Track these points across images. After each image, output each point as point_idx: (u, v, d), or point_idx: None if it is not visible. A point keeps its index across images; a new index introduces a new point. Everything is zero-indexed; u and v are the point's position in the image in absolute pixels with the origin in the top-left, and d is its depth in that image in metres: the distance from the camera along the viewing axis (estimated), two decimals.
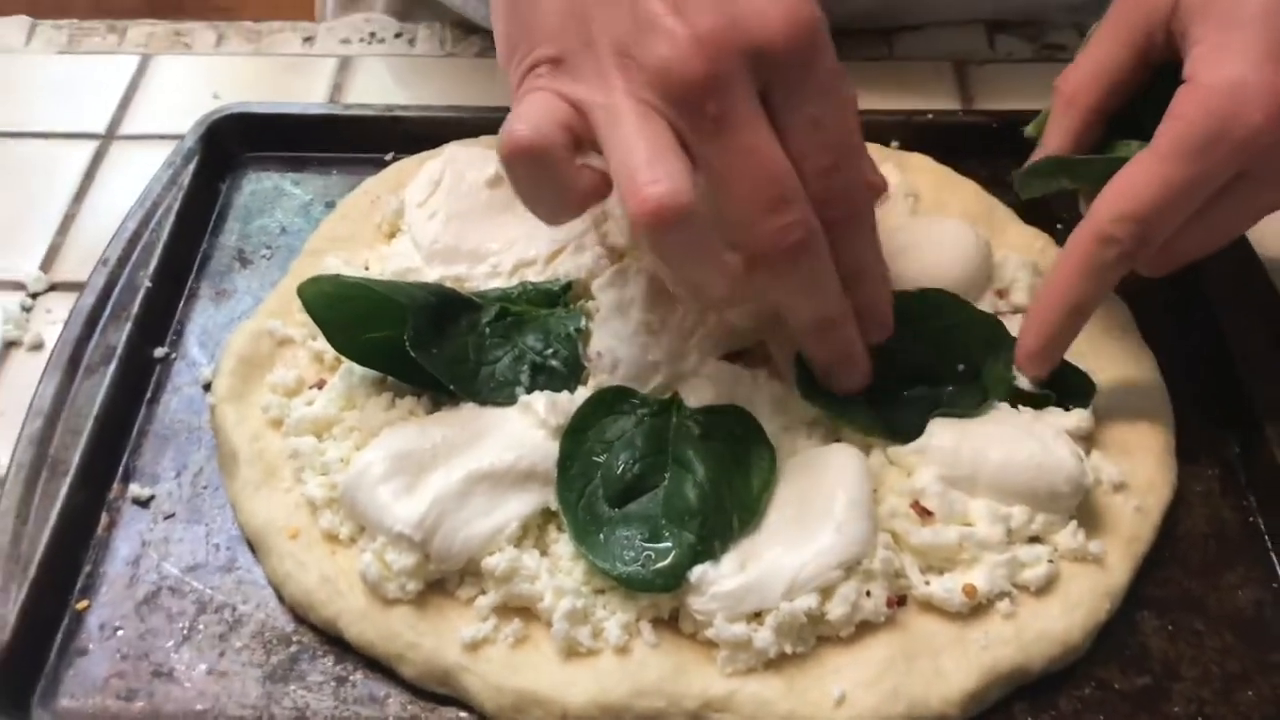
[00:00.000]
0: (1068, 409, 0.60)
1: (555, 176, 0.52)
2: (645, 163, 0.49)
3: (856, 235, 0.54)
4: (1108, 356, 0.64)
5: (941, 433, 0.57)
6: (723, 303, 0.59)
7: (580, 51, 0.52)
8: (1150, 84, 0.61)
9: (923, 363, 0.61)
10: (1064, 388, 0.61)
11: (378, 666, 0.54)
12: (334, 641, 0.55)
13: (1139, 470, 0.60)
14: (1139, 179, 0.56)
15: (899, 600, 0.55)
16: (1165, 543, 0.59)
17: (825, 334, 0.56)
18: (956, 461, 0.56)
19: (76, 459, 0.60)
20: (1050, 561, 0.56)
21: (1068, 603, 0.55)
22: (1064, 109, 0.63)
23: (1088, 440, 0.60)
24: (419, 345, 0.58)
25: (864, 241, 0.55)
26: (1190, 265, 0.61)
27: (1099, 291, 0.59)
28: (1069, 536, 0.57)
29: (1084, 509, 0.58)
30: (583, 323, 0.62)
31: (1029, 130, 0.67)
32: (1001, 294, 0.66)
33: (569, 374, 0.60)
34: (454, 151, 0.71)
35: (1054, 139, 0.64)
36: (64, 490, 0.59)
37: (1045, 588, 0.55)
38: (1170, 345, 0.66)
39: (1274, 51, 0.54)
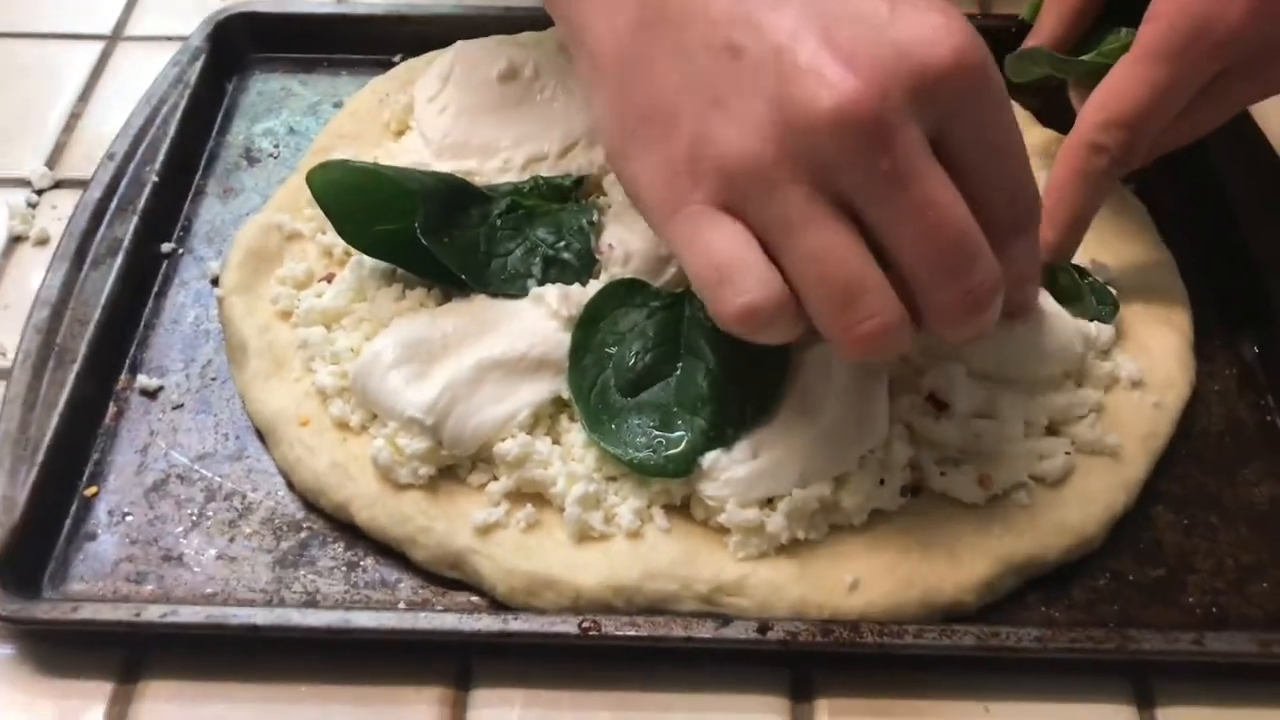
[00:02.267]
0: (1091, 320, 0.60)
1: (794, 322, 0.47)
2: (850, 289, 0.44)
3: (1032, 249, 0.49)
4: (1126, 256, 0.64)
5: None
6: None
7: (715, 130, 0.45)
8: None
9: None
10: (1089, 301, 0.60)
11: (388, 552, 0.54)
12: (344, 528, 0.55)
13: (1157, 368, 0.59)
14: (1123, 84, 0.55)
15: (914, 490, 0.54)
16: (1182, 440, 0.59)
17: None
18: None
19: (83, 349, 0.60)
20: (1067, 454, 0.55)
21: (1084, 495, 0.55)
22: (1050, 7, 0.63)
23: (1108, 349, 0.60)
24: (430, 232, 0.57)
25: (1030, 250, 0.50)
26: (1210, 169, 0.60)
27: (1095, 199, 0.58)
28: (1086, 429, 0.56)
29: (1101, 405, 0.57)
30: (595, 216, 0.61)
31: (1024, 14, 0.67)
32: None
33: (581, 267, 0.60)
34: (463, 47, 0.70)
35: (1048, 25, 0.63)
36: (71, 379, 0.58)
37: (1061, 480, 0.55)
38: (1188, 245, 0.66)
39: None
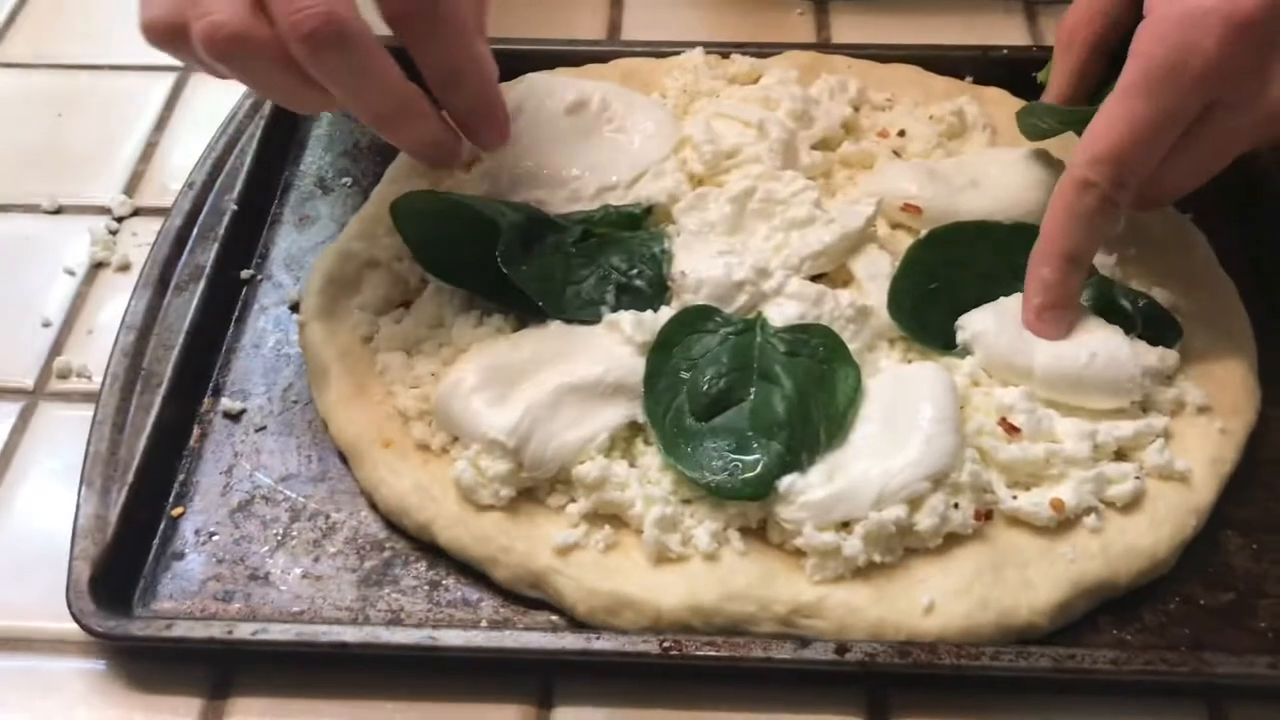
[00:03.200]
0: (1154, 344, 0.60)
1: (264, 50, 0.53)
2: None
3: (435, 36, 0.55)
4: (1188, 283, 0.64)
5: (976, 320, 0.59)
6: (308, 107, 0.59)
7: None
8: None
9: (1008, 293, 0.61)
10: (1152, 329, 0.61)
11: (469, 572, 0.55)
12: (426, 548, 0.56)
13: (1223, 394, 0.60)
14: (1107, 121, 0.55)
15: (986, 514, 0.55)
16: (1249, 466, 0.59)
17: (391, 127, 0.57)
18: (1000, 339, 0.58)
19: (169, 372, 0.61)
20: (1137, 478, 0.56)
21: (1154, 519, 0.55)
22: (1063, 50, 0.63)
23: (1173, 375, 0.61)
24: (510, 261, 0.59)
25: (447, 42, 0.55)
26: (1270, 195, 0.60)
27: (1089, 238, 0.58)
28: (1155, 454, 0.57)
29: (1169, 431, 0.58)
30: (666, 244, 0.63)
31: (1040, 76, 0.67)
32: None
33: (653, 294, 0.61)
34: (533, 80, 0.71)
35: (1056, 82, 0.64)
36: (157, 402, 0.60)
37: (1132, 504, 0.56)
38: (1249, 271, 0.66)
39: None
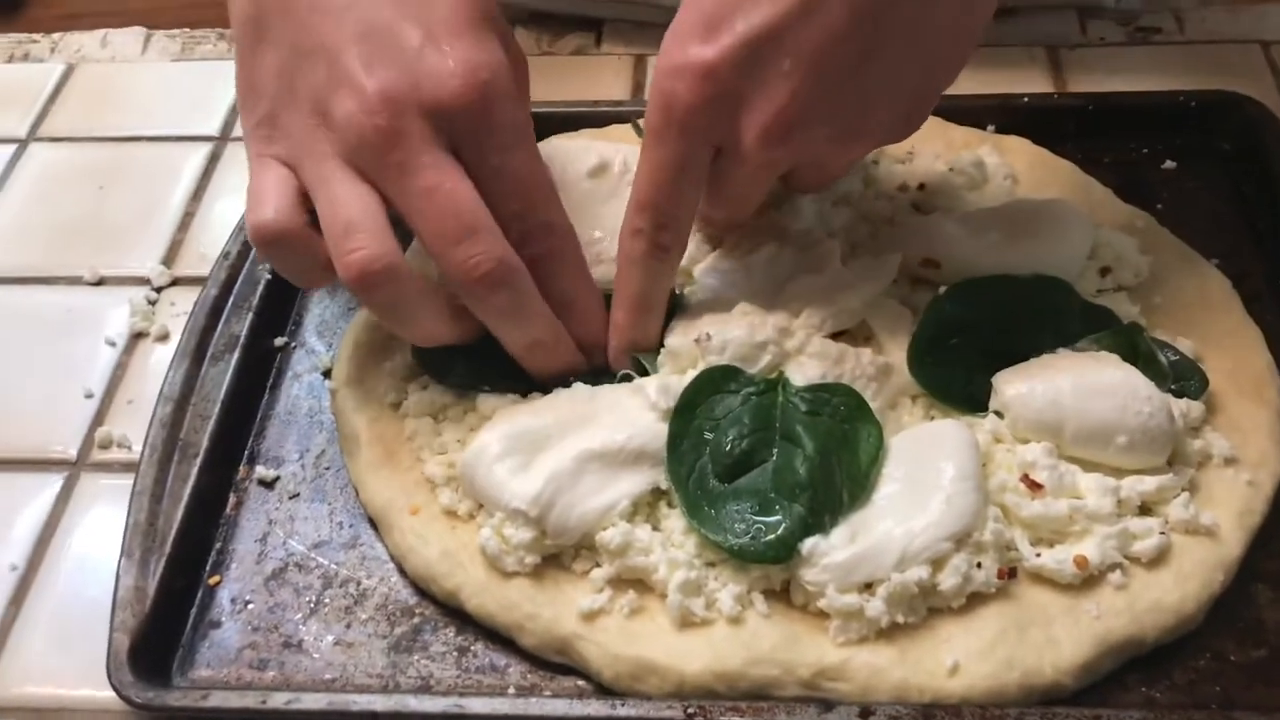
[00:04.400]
0: (1179, 396, 0.60)
1: (304, 253, 0.58)
2: (344, 230, 0.55)
3: (560, 269, 0.59)
4: (1214, 333, 0.64)
5: (1011, 380, 0.59)
6: (451, 339, 0.61)
7: (289, 109, 0.58)
8: None
9: (1031, 346, 0.61)
10: (1178, 380, 0.61)
11: (497, 638, 0.56)
12: (454, 614, 0.57)
13: (1250, 445, 0.60)
14: (640, 170, 0.58)
15: (1010, 572, 0.55)
16: (1278, 516, 0.59)
17: (535, 355, 0.61)
18: (1033, 400, 0.58)
19: (205, 442, 0.63)
20: (1162, 533, 0.56)
21: (1181, 574, 0.55)
22: None
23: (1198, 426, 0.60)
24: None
25: (568, 275, 0.60)
26: None
27: (650, 280, 0.60)
28: (1180, 508, 0.57)
29: (1195, 484, 0.58)
30: (681, 304, 0.64)
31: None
32: (1104, 272, 0.66)
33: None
34: (556, 144, 0.73)
35: None
36: (194, 472, 0.62)
37: (1157, 559, 0.56)
38: (1275, 319, 0.66)
39: (704, 27, 0.55)
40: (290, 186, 0.58)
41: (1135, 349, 0.61)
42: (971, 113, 0.76)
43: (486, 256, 0.56)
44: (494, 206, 0.56)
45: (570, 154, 0.71)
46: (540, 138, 0.72)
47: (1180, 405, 0.59)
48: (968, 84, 0.78)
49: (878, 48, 0.55)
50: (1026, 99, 0.78)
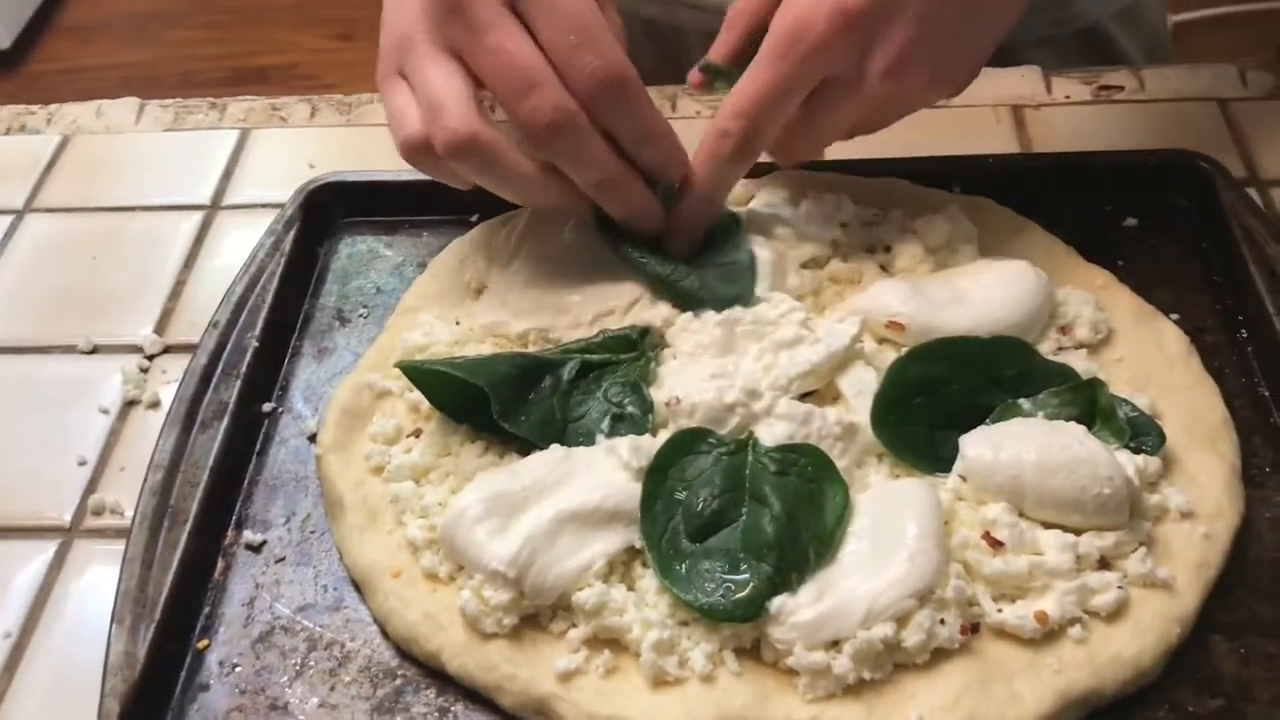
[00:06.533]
0: (1137, 452, 0.62)
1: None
2: (431, 109, 0.64)
3: (623, 105, 0.64)
4: (1171, 386, 0.66)
5: (976, 448, 0.60)
6: (538, 197, 0.68)
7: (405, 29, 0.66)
8: None
9: (989, 405, 0.64)
10: (1136, 436, 0.63)
11: (477, 698, 0.58)
12: (436, 675, 0.59)
13: (1206, 498, 0.61)
14: (744, 83, 0.66)
15: (973, 627, 0.57)
16: (1235, 568, 0.60)
17: (608, 193, 0.67)
18: (996, 470, 0.59)
19: (194, 508, 0.65)
20: (1120, 588, 0.58)
21: (1139, 627, 0.57)
22: (728, 27, 0.72)
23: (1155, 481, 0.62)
24: (505, 417, 0.63)
25: (633, 108, 0.65)
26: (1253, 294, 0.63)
27: (724, 179, 0.69)
28: (1137, 563, 0.58)
29: (1152, 538, 0.60)
30: (651, 367, 0.66)
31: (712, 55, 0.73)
32: (1065, 330, 0.69)
33: (643, 418, 0.64)
34: (535, 212, 0.75)
35: (717, 50, 0.72)
36: (184, 538, 0.64)
37: (1116, 613, 0.57)
38: (1232, 373, 0.68)
39: None
40: (406, 98, 0.66)
41: (1095, 404, 0.63)
42: (938, 174, 0.78)
43: (548, 106, 0.62)
44: (550, 50, 0.63)
45: (548, 220, 0.74)
46: (519, 205, 0.76)
47: (1138, 461, 0.61)
48: (935, 145, 0.82)
49: (975, 7, 0.66)
50: (991, 160, 0.80)
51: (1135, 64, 0.92)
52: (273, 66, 2.95)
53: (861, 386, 0.65)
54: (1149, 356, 0.68)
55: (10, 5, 2.89)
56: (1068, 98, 0.89)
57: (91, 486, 0.70)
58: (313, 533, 0.66)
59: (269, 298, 0.75)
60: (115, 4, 3.17)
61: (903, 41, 0.64)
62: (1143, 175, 0.78)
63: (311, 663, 0.60)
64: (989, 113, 0.88)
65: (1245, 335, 0.70)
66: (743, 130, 0.66)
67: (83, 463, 0.71)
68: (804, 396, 0.65)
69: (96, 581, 0.66)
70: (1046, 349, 0.67)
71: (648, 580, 0.59)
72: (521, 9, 0.63)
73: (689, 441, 0.62)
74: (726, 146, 0.66)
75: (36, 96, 0.96)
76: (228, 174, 0.89)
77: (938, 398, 0.64)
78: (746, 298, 0.68)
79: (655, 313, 0.69)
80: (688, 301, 0.68)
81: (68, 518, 0.69)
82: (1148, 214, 0.77)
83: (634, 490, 0.60)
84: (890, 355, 0.67)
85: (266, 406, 0.72)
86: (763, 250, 0.70)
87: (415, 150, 0.66)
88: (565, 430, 0.64)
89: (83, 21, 3.12)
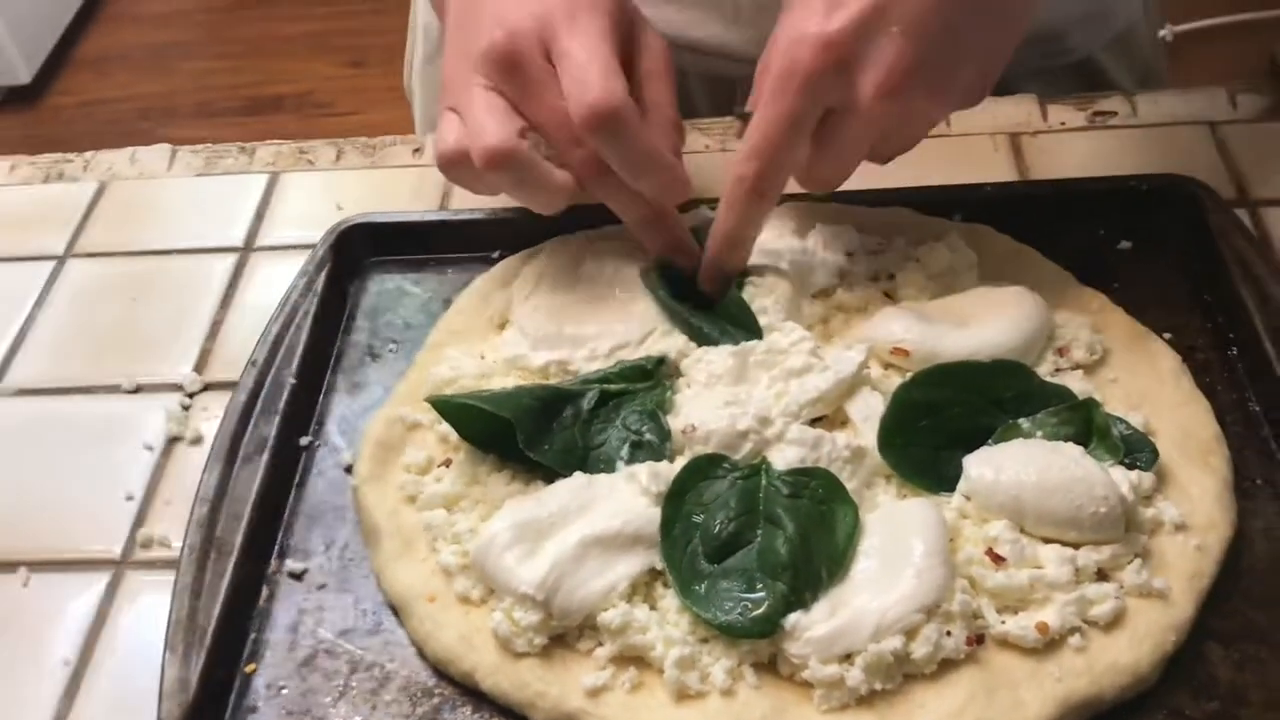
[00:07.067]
0: (1131, 468, 0.65)
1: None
2: (477, 129, 0.69)
3: (611, 137, 0.68)
4: (1164, 404, 0.69)
5: (979, 468, 0.64)
6: (560, 208, 0.74)
7: (455, 67, 0.74)
8: None
9: (990, 426, 0.67)
10: (1130, 453, 0.66)
11: (512, 714, 0.61)
12: (471, 693, 0.62)
13: (1198, 511, 0.64)
14: (752, 125, 0.69)
15: (978, 639, 0.60)
16: (1228, 577, 0.63)
17: (648, 229, 0.74)
18: (997, 491, 0.63)
19: (239, 540, 0.68)
20: (1117, 598, 0.61)
21: (1136, 636, 0.60)
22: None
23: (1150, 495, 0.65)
24: (530, 446, 0.67)
25: (622, 140, 0.68)
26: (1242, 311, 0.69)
27: (745, 223, 0.72)
28: (1134, 574, 0.61)
29: (1148, 550, 0.63)
30: (668, 395, 0.70)
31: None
32: (1062, 352, 0.72)
33: (661, 445, 0.67)
34: (553, 247, 0.79)
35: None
36: (230, 568, 0.67)
37: (1114, 623, 0.60)
38: (1222, 388, 0.71)
39: (826, 8, 0.66)
40: (453, 121, 0.73)
41: (1090, 423, 0.66)
42: (939, 203, 0.81)
43: (592, 157, 0.69)
44: (567, 97, 0.68)
45: (567, 254, 0.78)
46: (540, 240, 0.80)
47: (1132, 477, 0.64)
48: (934, 175, 0.85)
49: (965, 14, 0.67)
50: (989, 188, 0.84)
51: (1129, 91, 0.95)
52: (288, 95, 3.00)
53: (869, 411, 0.68)
54: (1142, 376, 0.71)
55: (30, 40, 2.95)
56: (1063, 124, 0.92)
57: (140, 520, 0.74)
58: (351, 560, 0.69)
59: (304, 336, 0.78)
60: (132, 36, 3.24)
61: (892, 60, 0.66)
62: (1136, 199, 0.81)
63: (354, 684, 0.64)
64: (987, 141, 0.91)
65: (1235, 353, 0.73)
66: (755, 172, 0.69)
67: (130, 498, 0.75)
68: (814, 422, 0.68)
69: (148, 610, 0.69)
70: (1044, 370, 0.71)
71: (669, 600, 0.62)
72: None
73: (705, 467, 0.66)
74: (742, 190, 0.70)
75: (58, 130, 1.00)
76: (259, 216, 0.93)
77: (941, 420, 0.67)
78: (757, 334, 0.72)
79: (670, 343, 0.72)
80: (706, 341, 0.72)
81: (118, 550, 0.73)
82: (1141, 237, 0.80)
83: (654, 515, 0.64)
84: (896, 380, 0.70)
85: (304, 440, 0.75)
86: (781, 282, 0.74)
87: (451, 162, 0.72)
88: (587, 458, 0.67)
89: (100, 54, 3.19)
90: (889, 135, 0.71)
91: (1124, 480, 0.63)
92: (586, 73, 0.68)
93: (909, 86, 0.67)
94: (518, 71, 0.70)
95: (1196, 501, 0.65)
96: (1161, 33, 1.33)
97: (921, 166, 0.79)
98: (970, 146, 0.90)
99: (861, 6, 0.65)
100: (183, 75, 3.08)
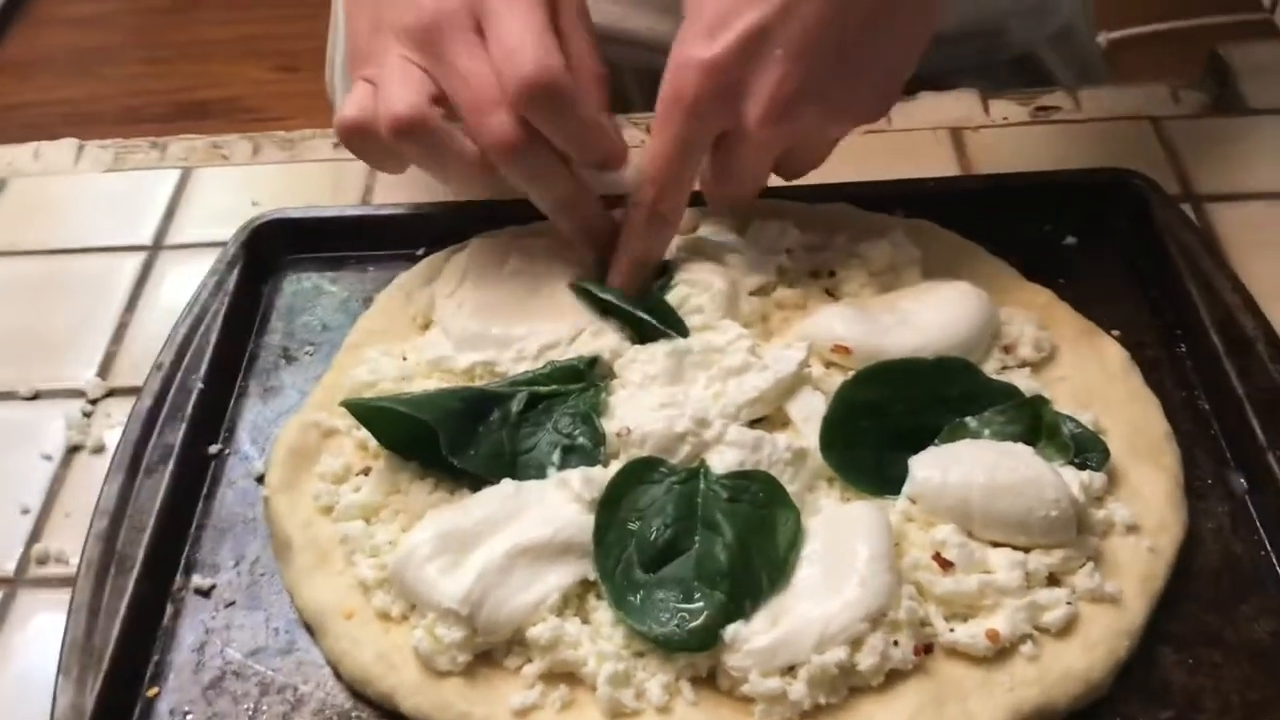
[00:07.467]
0: (1082, 468, 0.63)
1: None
2: (388, 99, 0.66)
3: (549, 107, 0.65)
4: (1113, 402, 0.67)
5: (925, 470, 0.61)
6: (478, 188, 0.71)
7: (371, 40, 0.70)
8: None
9: (936, 426, 0.64)
10: (1080, 452, 0.64)
11: None
12: (391, 715, 0.58)
13: (1150, 512, 0.62)
14: (645, 152, 0.68)
15: (926, 648, 0.57)
16: (1180, 580, 0.61)
17: (562, 212, 0.70)
18: (944, 494, 0.60)
19: (141, 554, 0.64)
20: (1069, 603, 0.58)
21: (1087, 642, 0.57)
22: None
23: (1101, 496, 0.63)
24: (454, 451, 0.63)
25: (559, 110, 0.65)
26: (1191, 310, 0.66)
27: (647, 247, 0.71)
28: (1085, 578, 0.59)
29: (1099, 553, 0.60)
30: (602, 397, 0.66)
31: None
32: (1008, 349, 0.69)
33: (594, 449, 0.64)
34: (478, 244, 0.75)
35: None
36: (131, 584, 0.62)
37: (1065, 629, 0.58)
38: (1173, 386, 0.69)
39: (706, 31, 0.65)
40: (365, 90, 0.68)
41: (1039, 421, 0.64)
42: (880, 198, 0.79)
43: (504, 127, 0.65)
44: (496, 68, 0.65)
45: (493, 251, 0.74)
46: (464, 237, 0.76)
47: (1083, 477, 0.62)
48: (876, 170, 0.83)
49: (853, 32, 0.65)
50: (932, 183, 0.81)
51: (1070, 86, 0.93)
52: (215, 100, 2.93)
53: (810, 411, 0.65)
54: (1091, 373, 0.69)
55: None
56: (1005, 119, 0.90)
57: (35, 535, 0.69)
58: (263, 575, 0.65)
59: (213, 338, 0.74)
60: (55, 40, 3.14)
61: (775, 84, 0.64)
62: (1080, 194, 0.79)
63: (264, 707, 0.59)
64: (929, 135, 0.89)
65: (1184, 349, 0.72)
66: (650, 197, 0.68)
67: (25, 511, 0.70)
68: (754, 423, 0.65)
69: (41, 632, 0.64)
70: (991, 368, 0.68)
71: (602, 613, 0.59)
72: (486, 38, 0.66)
73: (640, 471, 0.62)
74: (640, 215, 0.69)
75: None
76: (169, 214, 0.88)
77: (885, 420, 0.64)
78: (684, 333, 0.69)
79: (602, 343, 0.69)
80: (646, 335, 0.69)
81: (11, 567, 0.68)
82: (1087, 232, 0.79)
83: (586, 522, 0.60)
84: (838, 379, 0.67)
85: (213, 449, 0.71)
86: (716, 279, 0.71)
87: (352, 130, 0.68)
88: (515, 463, 0.63)
89: (22, 58, 3.09)
90: (790, 154, 0.70)
91: (1075, 481, 0.61)
92: (521, 42, 0.64)
93: (795, 109, 0.65)
94: (441, 40, 0.66)
95: (1148, 502, 0.63)
96: (1097, 39, 1.33)
97: (863, 161, 0.77)
98: (911, 140, 0.88)
99: (743, 30, 0.64)
100: (107, 80, 3.00)
